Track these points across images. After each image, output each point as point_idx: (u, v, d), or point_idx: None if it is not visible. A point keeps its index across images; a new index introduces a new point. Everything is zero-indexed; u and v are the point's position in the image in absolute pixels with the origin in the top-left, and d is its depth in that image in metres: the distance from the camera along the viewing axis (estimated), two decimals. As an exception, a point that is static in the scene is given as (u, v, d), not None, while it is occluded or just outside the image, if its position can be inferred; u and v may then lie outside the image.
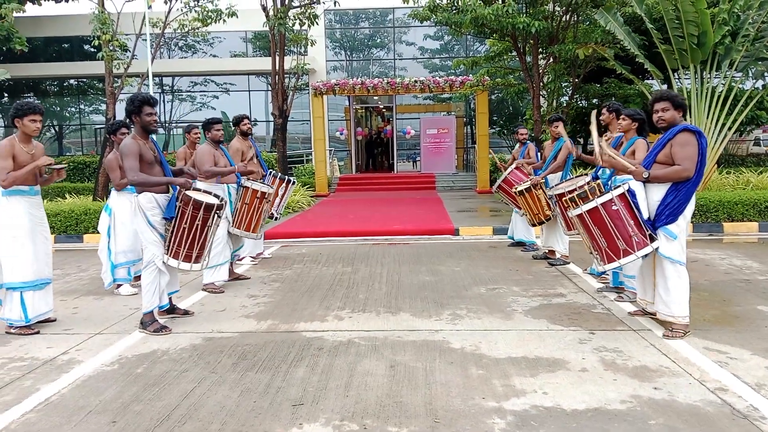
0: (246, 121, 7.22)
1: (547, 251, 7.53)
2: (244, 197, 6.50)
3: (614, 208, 4.42)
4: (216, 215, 4.91)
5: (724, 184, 12.13)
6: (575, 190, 5.73)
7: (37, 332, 4.86)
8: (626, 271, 5.41)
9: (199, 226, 4.80)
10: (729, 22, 10.73)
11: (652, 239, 4.39)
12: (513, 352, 4.17)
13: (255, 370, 3.93)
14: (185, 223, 4.75)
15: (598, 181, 5.34)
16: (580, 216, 4.59)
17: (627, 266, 5.22)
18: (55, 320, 5.19)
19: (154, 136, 4.98)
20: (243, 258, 7.61)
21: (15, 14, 14.22)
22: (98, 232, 9.80)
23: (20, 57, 22.58)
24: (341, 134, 23.73)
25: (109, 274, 6.17)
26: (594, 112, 5.32)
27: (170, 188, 4.89)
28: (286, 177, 8.03)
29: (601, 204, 4.46)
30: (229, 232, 6.47)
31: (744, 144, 20.99)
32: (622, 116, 5.47)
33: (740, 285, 6.01)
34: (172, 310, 5.21)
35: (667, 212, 4.34)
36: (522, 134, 8.38)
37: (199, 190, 5.11)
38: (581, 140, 20.28)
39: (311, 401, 3.43)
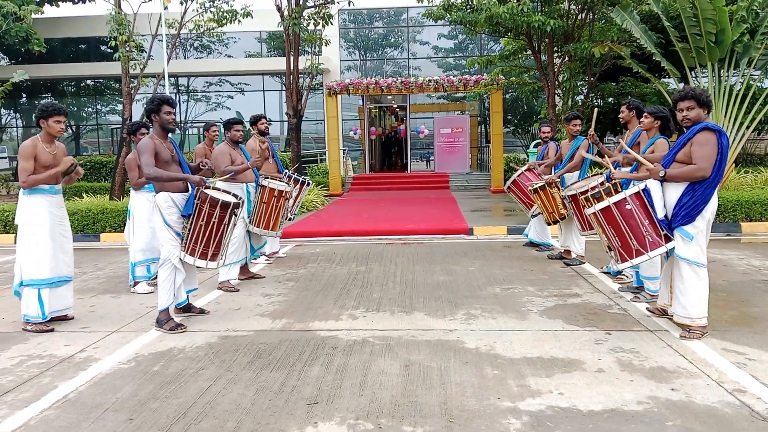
0: (263, 120, 7.30)
1: (562, 251, 7.48)
2: (262, 196, 6.56)
3: (627, 207, 4.38)
4: (233, 213, 4.96)
5: (742, 183, 11.98)
6: (588, 190, 5.70)
7: (52, 330, 4.92)
8: (644, 272, 5.36)
9: (216, 224, 4.85)
10: (747, 19, 10.60)
11: (668, 239, 4.34)
12: (528, 353, 4.15)
13: (270, 369, 3.94)
14: (202, 221, 4.80)
15: (617, 180, 5.29)
16: (594, 215, 4.56)
17: (644, 266, 5.20)
18: (72, 318, 5.25)
19: (172, 136, 5.06)
20: (262, 255, 7.65)
21: (33, 16, 14.38)
22: (115, 231, 10.02)
23: (38, 58, 22.88)
24: (355, 134, 23.76)
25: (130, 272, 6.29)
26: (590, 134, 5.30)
27: (188, 187, 4.94)
28: (301, 178, 8.05)
29: (614, 203, 4.42)
30: (249, 231, 6.55)
31: (762, 143, 20.71)
32: (644, 114, 5.37)
33: (759, 285, 5.93)
34: (188, 308, 5.25)
35: (683, 213, 4.28)
36: (545, 132, 8.20)
37: (218, 189, 5.16)
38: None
39: (326, 400, 3.44)
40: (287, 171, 7.86)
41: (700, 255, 4.32)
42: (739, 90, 11.19)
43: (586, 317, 4.96)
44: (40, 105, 4.93)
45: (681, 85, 13.26)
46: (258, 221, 6.59)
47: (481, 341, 4.41)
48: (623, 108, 6.02)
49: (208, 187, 4.98)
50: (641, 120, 5.41)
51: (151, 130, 5.03)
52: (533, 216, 8.02)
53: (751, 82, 11.81)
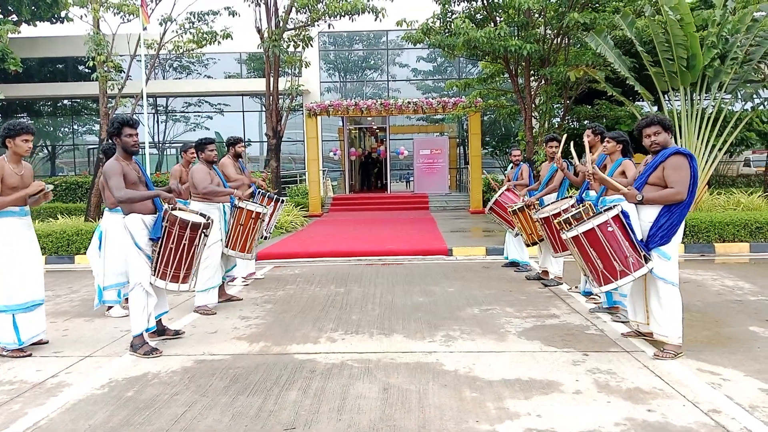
0: (241, 144, 7.31)
1: (540, 272, 7.53)
2: (238, 218, 6.50)
3: (610, 229, 4.44)
4: (203, 234, 4.90)
5: (715, 204, 12.21)
6: (560, 213, 5.78)
7: (30, 355, 4.81)
8: (621, 291, 5.41)
9: (186, 246, 4.79)
10: (718, 45, 10.90)
11: (647, 260, 4.40)
12: (507, 374, 4.15)
13: (246, 394, 3.89)
14: (172, 243, 4.73)
15: (589, 202, 5.37)
16: (575, 238, 4.58)
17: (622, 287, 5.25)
18: (47, 342, 5.14)
19: (139, 158, 4.99)
20: (236, 278, 7.58)
21: (10, 35, 14.25)
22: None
23: (14, 77, 22.61)
24: (335, 155, 23.81)
25: (97, 296, 6.14)
26: (587, 133, 5.51)
27: (156, 208, 4.87)
28: (275, 196, 8.04)
29: (598, 225, 4.47)
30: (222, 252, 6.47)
31: (734, 165, 21.16)
32: (606, 138, 5.58)
33: (732, 306, 6.02)
34: (162, 331, 5.17)
35: (661, 234, 4.37)
36: (515, 156, 8.41)
37: (184, 209, 5.10)
38: (573, 161, 20.38)
39: (303, 425, 3.40)
40: (260, 190, 7.82)
41: (675, 274, 4.41)
42: (711, 113, 11.46)
43: (564, 338, 4.99)
44: (7, 124, 4.76)
45: (654, 108, 13.54)
46: (233, 243, 6.52)
47: (460, 363, 4.40)
48: (589, 132, 6.17)
49: (175, 208, 4.91)
50: (604, 144, 5.59)
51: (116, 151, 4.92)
52: (516, 236, 8.09)
53: (722, 105, 12.09)
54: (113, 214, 6.04)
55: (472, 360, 4.47)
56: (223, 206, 6.45)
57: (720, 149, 11.69)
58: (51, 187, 4.97)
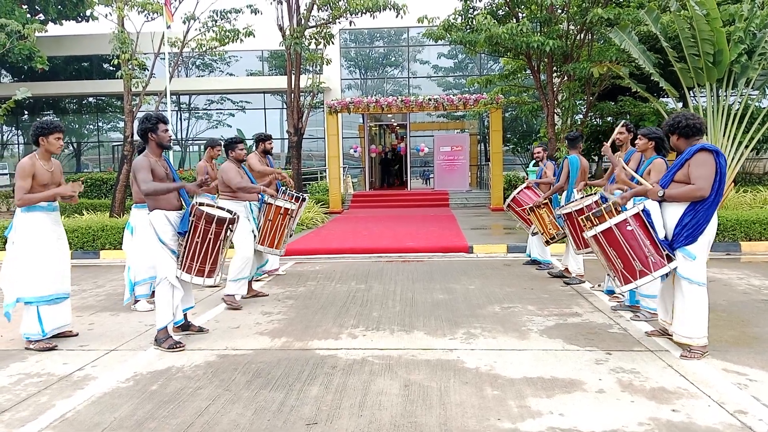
0: (270, 141, 7.41)
1: (563, 269, 7.47)
2: (267, 214, 6.58)
3: (629, 228, 4.38)
4: (228, 229, 4.97)
5: (742, 202, 12.00)
6: (583, 210, 5.72)
7: (55, 347, 4.90)
8: (643, 291, 5.35)
9: (212, 240, 4.86)
10: (745, 40, 10.70)
11: (670, 259, 4.34)
12: (529, 373, 4.13)
13: (269, 388, 3.92)
14: (198, 238, 4.81)
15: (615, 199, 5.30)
16: (594, 237, 4.54)
17: (644, 286, 5.19)
18: (76, 335, 5.24)
19: (166, 154, 5.12)
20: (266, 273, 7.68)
21: (37, 34, 14.50)
22: (115, 248, 10.02)
23: (41, 75, 23.02)
24: (355, 152, 23.85)
25: (127, 290, 6.22)
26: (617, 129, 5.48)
27: (183, 205, 4.96)
28: (299, 194, 8.09)
29: (615, 225, 4.42)
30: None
31: (761, 162, 20.78)
32: (638, 135, 5.44)
33: (759, 305, 5.92)
34: (186, 326, 5.24)
35: (686, 233, 4.29)
36: (536, 153, 8.25)
37: (212, 205, 5.18)
38: (595, 158, 20.19)
39: (325, 420, 3.42)
40: (284, 188, 7.87)
41: (702, 274, 4.32)
42: (738, 110, 11.26)
43: (587, 337, 4.95)
44: (39, 123, 4.89)
45: (679, 105, 13.35)
46: (262, 239, 6.60)
47: (481, 361, 4.39)
48: (621, 129, 6.06)
49: (202, 204, 5.00)
50: (635, 141, 5.48)
51: (146, 148, 5.01)
52: (533, 234, 8.04)
53: (749, 101, 11.89)
54: (139, 210, 6.13)
55: (494, 358, 4.46)
56: (250, 204, 6.53)
57: (746, 146, 11.49)
58: (81, 188, 5.08)
